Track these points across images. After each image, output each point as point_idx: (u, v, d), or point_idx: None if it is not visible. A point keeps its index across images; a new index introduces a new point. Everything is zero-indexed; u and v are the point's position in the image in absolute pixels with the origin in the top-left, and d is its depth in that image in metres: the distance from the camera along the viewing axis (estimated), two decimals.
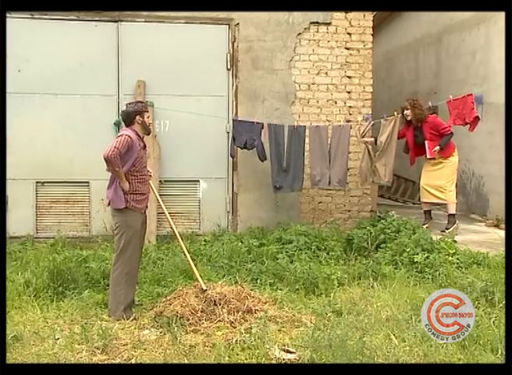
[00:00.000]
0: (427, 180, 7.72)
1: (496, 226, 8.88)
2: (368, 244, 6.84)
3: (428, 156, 7.48)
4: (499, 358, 3.92)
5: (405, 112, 7.48)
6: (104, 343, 4.19)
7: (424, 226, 7.45)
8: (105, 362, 4.01)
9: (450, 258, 6.34)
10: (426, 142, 7.44)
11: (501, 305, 4.84)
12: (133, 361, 4.02)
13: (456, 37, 10.65)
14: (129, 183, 4.91)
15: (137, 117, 5.00)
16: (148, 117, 5.11)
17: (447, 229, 7.60)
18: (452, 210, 7.74)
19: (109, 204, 4.99)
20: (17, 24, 7.27)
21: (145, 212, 5.20)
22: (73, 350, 4.14)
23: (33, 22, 7.35)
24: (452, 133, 7.40)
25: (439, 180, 7.58)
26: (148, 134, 5.30)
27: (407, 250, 6.45)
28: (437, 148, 7.37)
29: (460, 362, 3.91)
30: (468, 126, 7.25)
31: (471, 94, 7.22)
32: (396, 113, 7.46)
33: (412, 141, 7.64)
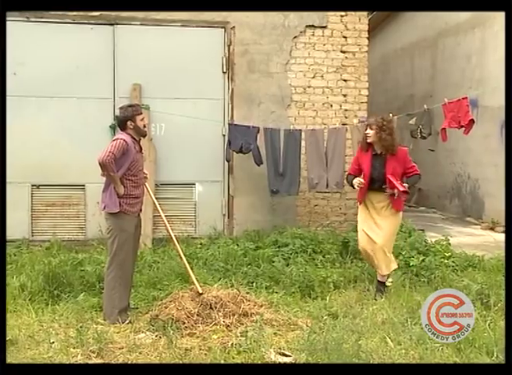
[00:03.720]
0: (367, 229, 5.61)
1: (492, 229, 8.91)
2: None
3: (401, 189, 5.33)
4: (494, 361, 3.92)
5: (367, 131, 5.53)
6: (99, 347, 4.17)
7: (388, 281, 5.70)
8: None
9: (446, 261, 6.36)
10: (390, 176, 5.42)
11: (496, 308, 4.86)
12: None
13: (451, 41, 10.70)
14: (124, 186, 4.89)
15: (128, 123, 4.96)
16: (142, 119, 5.05)
17: (380, 297, 5.44)
18: (384, 278, 5.63)
19: (104, 208, 4.97)
20: (13, 27, 7.23)
21: (139, 216, 5.18)
22: (68, 354, 4.12)
23: (29, 25, 7.35)
24: (420, 175, 5.71)
25: (382, 237, 5.50)
26: (144, 137, 5.27)
27: (403, 253, 6.47)
28: (406, 185, 5.43)
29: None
30: (463, 129, 7.26)
31: (466, 98, 7.23)
32: (391, 115, 7.45)
33: (368, 173, 5.53)
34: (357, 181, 5.56)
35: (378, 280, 5.62)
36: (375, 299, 5.36)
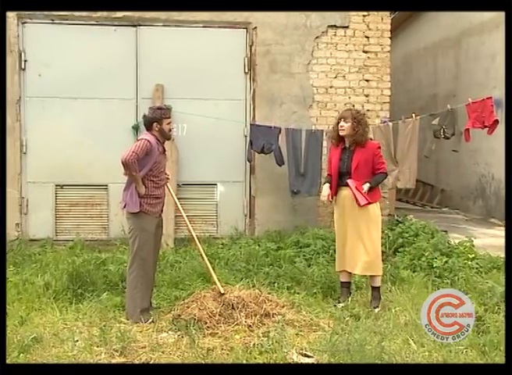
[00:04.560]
0: (350, 243, 5.36)
1: None
2: (386, 248, 6.80)
3: (362, 203, 5.16)
4: None
5: (341, 123, 5.29)
6: (122, 345, 4.20)
7: (339, 306, 5.26)
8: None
9: (470, 262, 6.29)
10: (350, 182, 5.22)
11: None
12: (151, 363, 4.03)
13: (475, 40, 10.58)
14: (145, 187, 4.93)
15: (154, 124, 5.00)
16: (169, 124, 5.08)
17: (376, 308, 5.22)
18: (379, 282, 5.38)
19: (125, 206, 5.02)
20: (38, 29, 7.38)
21: (160, 216, 5.21)
22: (92, 352, 4.16)
23: (54, 27, 7.43)
24: (387, 174, 5.65)
25: (365, 241, 5.25)
26: (168, 140, 5.31)
27: (426, 254, 6.41)
28: (366, 185, 5.19)
29: None
30: (487, 129, 7.18)
31: (490, 97, 7.16)
32: (414, 116, 7.41)
33: (336, 166, 5.36)
34: (325, 193, 5.42)
35: (372, 286, 5.37)
36: (374, 308, 5.18)
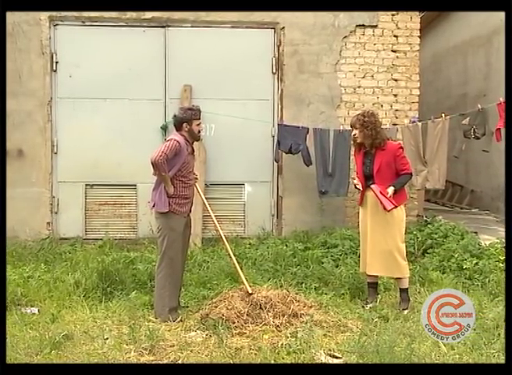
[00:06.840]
0: (371, 243, 5.33)
1: None
2: (414, 249, 6.75)
3: (388, 208, 5.11)
4: None
5: (353, 132, 5.38)
6: (151, 344, 4.26)
7: (368, 307, 5.26)
8: (153, 362, 4.07)
9: (501, 264, 6.18)
10: (374, 187, 5.21)
11: None
12: (180, 362, 4.07)
13: None
14: (174, 187, 4.97)
15: (184, 125, 5.05)
16: (199, 125, 5.13)
17: (404, 310, 5.20)
18: (406, 284, 5.36)
19: (154, 206, 5.06)
20: (69, 31, 7.49)
21: (189, 215, 5.24)
22: (122, 350, 4.22)
23: (84, 29, 7.54)
24: (412, 174, 5.57)
25: (386, 242, 5.23)
26: (197, 141, 5.35)
27: (455, 256, 6.34)
28: (391, 189, 5.16)
29: None
30: None
31: None
32: (444, 115, 7.32)
33: (360, 170, 5.43)
34: (355, 182, 5.46)
35: (400, 288, 5.37)
36: (402, 310, 5.15)
